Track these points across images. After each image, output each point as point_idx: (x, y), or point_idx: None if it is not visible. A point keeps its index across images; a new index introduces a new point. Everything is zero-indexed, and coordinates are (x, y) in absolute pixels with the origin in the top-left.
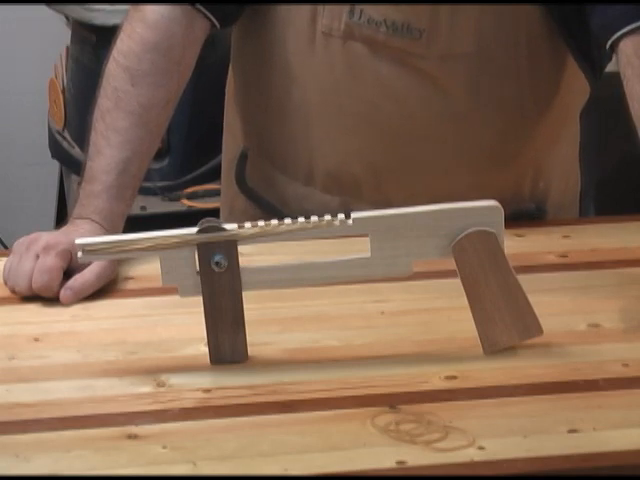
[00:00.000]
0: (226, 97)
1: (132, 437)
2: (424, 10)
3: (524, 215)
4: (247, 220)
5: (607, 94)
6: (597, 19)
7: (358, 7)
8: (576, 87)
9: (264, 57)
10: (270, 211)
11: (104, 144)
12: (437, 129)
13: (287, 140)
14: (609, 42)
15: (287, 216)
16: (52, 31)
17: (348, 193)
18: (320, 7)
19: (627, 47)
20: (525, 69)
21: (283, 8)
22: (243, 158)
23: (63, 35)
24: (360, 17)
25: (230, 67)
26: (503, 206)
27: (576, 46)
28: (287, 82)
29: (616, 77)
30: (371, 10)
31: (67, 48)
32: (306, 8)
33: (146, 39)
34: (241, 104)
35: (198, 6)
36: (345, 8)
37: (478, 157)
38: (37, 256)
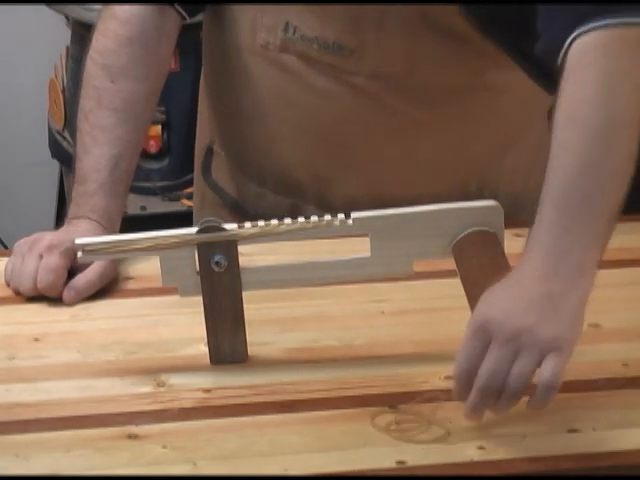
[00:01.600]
0: (200, 90)
1: (132, 437)
2: (352, 30)
3: None
4: (216, 210)
5: None
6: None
7: (292, 24)
8: (528, 97)
9: (221, 57)
10: (232, 205)
11: (91, 143)
12: (375, 139)
13: (242, 141)
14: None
15: (247, 211)
16: (52, 31)
17: (296, 196)
18: (258, 21)
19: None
20: (464, 87)
21: (234, 11)
22: (210, 152)
23: (63, 35)
24: (294, 33)
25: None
26: None
27: (526, 58)
28: (239, 85)
29: None
30: (304, 28)
31: (67, 48)
32: (247, 19)
33: (120, 35)
34: (207, 100)
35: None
36: (280, 24)
37: (418, 166)
38: (41, 256)
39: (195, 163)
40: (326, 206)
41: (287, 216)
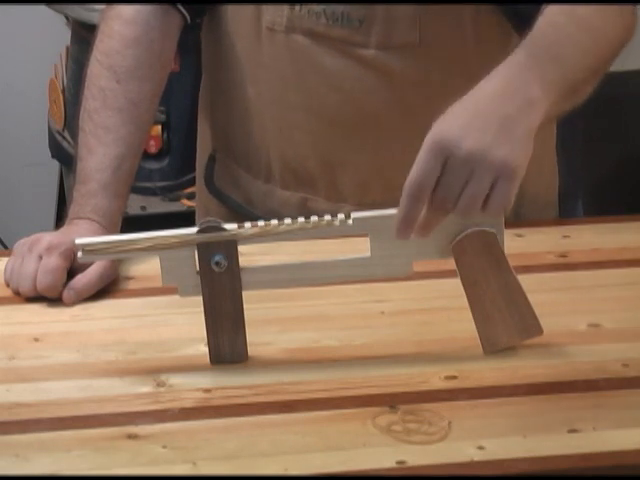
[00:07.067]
0: (200, 103)
1: (132, 437)
2: None
3: None
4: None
5: (605, 95)
6: None
7: None
8: None
9: (221, 55)
10: (237, 210)
11: (95, 143)
12: (385, 119)
13: (247, 137)
14: None
15: (253, 214)
16: (52, 31)
17: (305, 189)
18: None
19: None
20: (473, 59)
21: (232, 5)
22: (212, 160)
23: (63, 35)
24: (301, 9)
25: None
26: None
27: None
28: (242, 79)
29: (614, 77)
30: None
31: (67, 48)
32: (251, 6)
33: (126, 35)
34: (208, 104)
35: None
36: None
37: None
38: (40, 257)
39: (197, 177)
40: (336, 196)
41: (295, 213)
